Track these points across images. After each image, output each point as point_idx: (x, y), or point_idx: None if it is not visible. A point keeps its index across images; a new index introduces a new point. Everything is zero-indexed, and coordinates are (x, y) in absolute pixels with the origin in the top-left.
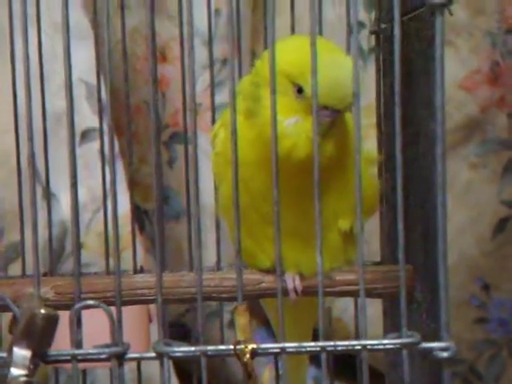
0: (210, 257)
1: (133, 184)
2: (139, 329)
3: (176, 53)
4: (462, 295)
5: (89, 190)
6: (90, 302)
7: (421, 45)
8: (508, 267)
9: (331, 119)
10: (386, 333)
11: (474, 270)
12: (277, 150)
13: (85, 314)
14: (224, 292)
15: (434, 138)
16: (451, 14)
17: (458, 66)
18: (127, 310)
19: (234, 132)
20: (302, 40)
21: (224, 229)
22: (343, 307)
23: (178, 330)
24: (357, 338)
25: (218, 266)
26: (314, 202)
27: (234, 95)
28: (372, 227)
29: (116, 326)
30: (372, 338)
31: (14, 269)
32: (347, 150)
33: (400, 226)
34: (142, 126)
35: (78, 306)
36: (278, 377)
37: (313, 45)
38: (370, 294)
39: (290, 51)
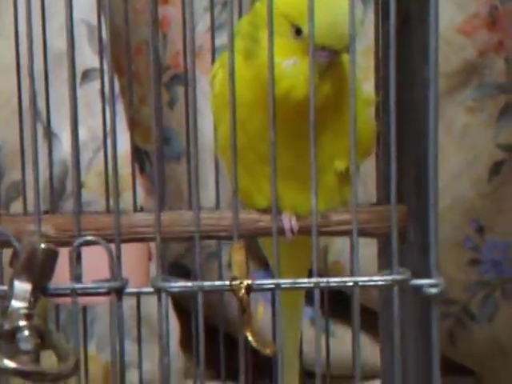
0: (209, 196)
1: (133, 125)
2: (139, 266)
3: None
4: (456, 237)
5: (89, 129)
6: (90, 238)
7: None
8: (503, 209)
9: (329, 60)
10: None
11: (470, 212)
12: (274, 90)
13: (85, 251)
14: (222, 230)
15: (427, 82)
16: None
17: (457, 10)
18: (127, 248)
19: (232, 74)
20: None
21: (223, 169)
22: (341, 248)
23: (178, 271)
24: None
25: (217, 206)
26: (310, 142)
27: (232, 37)
28: (369, 169)
29: (115, 262)
30: (364, 275)
31: (16, 207)
32: (345, 91)
33: (393, 167)
34: (142, 66)
35: (77, 241)
36: (274, 312)
37: None
38: (363, 233)
39: None
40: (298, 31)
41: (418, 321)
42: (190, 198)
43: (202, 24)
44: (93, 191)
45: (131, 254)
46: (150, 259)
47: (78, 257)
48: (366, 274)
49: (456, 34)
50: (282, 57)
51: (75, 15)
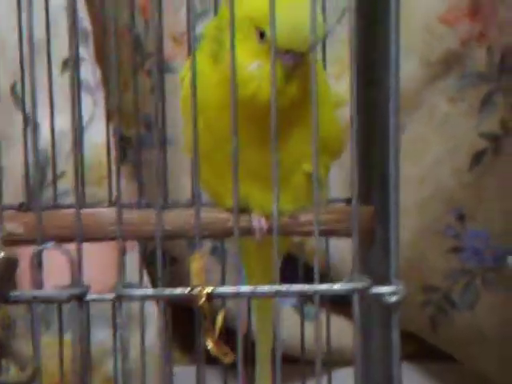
0: (188, 183)
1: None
2: (111, 258)
3: None
4: (437, 225)
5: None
6: (50, 245)
7: None
8: (484, 198)
9: (293, 63)
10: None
11: (451, 201)
12: (240, 93)
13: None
14: (191, 230)
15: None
16: None
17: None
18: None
19: (194, 79)
20: None
21: None
22: None
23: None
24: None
25: (194, 201)
26: (279, 145)
27: (194, 42)
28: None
29: (75, 268)
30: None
31: None
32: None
33: (354, 173)
34: (124, 53)
35: (38, 248)
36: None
37: None
38: (332, 233)
39: None
40: (262, 35)
41: (382, 323)
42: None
43: (185, 10)
44: (73, 180)
45: (103, 246)
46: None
47: (39, 263)
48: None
49: (438, 24)
50: (247, 60)
51: (57, 2)
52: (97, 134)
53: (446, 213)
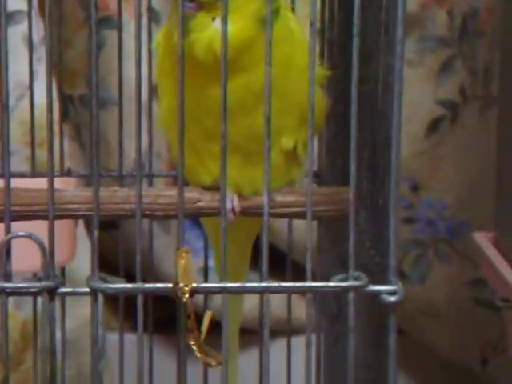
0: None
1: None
2: (64, 233)
3: None
4: None
5: (12, 75)
6: (21, 234)
7: None
8: (439, 167)
9: (189, 11)
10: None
11: (404, 170)
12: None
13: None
14: (159, 210)
15: (392, 68)
16: None
17: None
18: None
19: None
20: None
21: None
22: None
23: None
24: None
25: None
26: (256, 116)
27: None
28: None
29: (48, 258)
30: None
31: None
32: (284, 60)
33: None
34: (69, 7)
35: (7, 237)
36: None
37: None
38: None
39: None
40: None
41: (370, 323)
42: (120, 149)
43: None
44: (15, 141)
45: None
46: (76, 225)
47: (8, 252)
48: None
49: None
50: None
51: None
52: (40, 94)
53: (399, 182)
